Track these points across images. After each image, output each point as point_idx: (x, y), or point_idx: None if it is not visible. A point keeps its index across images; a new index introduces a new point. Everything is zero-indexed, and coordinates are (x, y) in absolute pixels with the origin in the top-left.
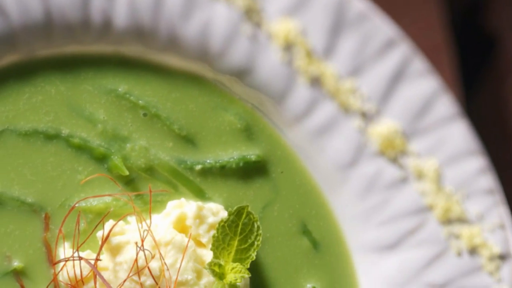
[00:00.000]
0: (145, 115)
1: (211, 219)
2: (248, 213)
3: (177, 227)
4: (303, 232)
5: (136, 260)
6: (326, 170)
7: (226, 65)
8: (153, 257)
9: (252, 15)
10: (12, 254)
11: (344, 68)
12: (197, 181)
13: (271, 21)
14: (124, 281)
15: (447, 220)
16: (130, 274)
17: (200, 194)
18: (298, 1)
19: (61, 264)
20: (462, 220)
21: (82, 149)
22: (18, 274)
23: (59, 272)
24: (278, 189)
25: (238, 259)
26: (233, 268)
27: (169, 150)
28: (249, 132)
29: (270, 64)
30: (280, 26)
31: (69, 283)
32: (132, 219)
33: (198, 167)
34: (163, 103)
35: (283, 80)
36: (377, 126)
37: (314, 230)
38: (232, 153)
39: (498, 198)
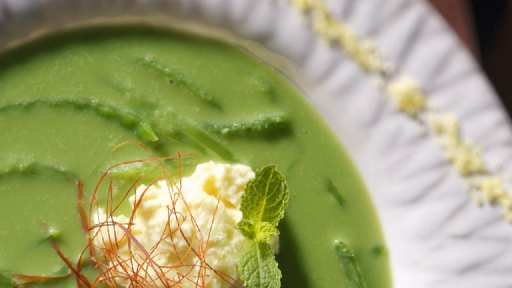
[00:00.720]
0: (171, 82)
1: (239, 180)
2: (275, 173)
3: (207, 189)
4: (328, 190)
5: (168, 222)
6: (349, 128)
7: (248, 31)
8: (184, 219)
9: None
10: (48, 222)
11: (362, 29)
12: (224, 144)
13: None
14: (157, 243)
15: (468, 173)
16: (163, 237)
17: (227, 157)
18: None
19: (96, 229)
20: (482, 171)
21: (111, 117)
22: (54, 240)
23: (94, 237)
24: (303, 149)
25: (267, 218)
26: (262, 227)
27: (196, 115)
28: (272, 95)
29: (290, 28)
30: None
31: (104, 247)
32: (162, 183)
33: (225, 130)
34: (188, 69)
35: (303, 43)
36: (397, 84)
37: (339, 187)
38: (257, 116)
39: None
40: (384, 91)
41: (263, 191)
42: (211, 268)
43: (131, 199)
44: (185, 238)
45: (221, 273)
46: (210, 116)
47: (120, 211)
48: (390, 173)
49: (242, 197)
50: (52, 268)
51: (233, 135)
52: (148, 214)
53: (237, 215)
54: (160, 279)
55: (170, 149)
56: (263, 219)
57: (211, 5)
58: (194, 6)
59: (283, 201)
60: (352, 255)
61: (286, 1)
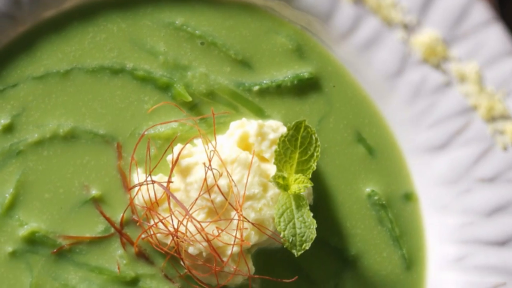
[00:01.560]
0: (202, 44)
1: (272, 135)
2: (306, 127)
3: (241, 145)
4: (358, 140)
5: (205, 179)
6: (375, 80)
7: None
8: (220, 175)
9: None
10: (89, 184)
11: None
12: (255, 101)
13: None
14: (196, 199)
15: (491, 118)
16: (201, 193)
17: (259, 113)
18: None
19: (136, 189)
20: (505, 116)
21: (146, 80)
22: (96, 201)
23: (134, 196)
24: (332, 102)
25: (300, 170)
26: (296, 179)
27: (227, 74)
28: (300, 52)
29: None
30: None
31: (145, 205)
32: (198, 141)
33: (256, 88)
34: (218, 31)
35: (327, 1)
36: (419, 36)
37: (368, 137)
38: (286, 72)
39: None
40: (407, 43)
41: (295, 144)
42: (248, 221)
43: (169, 158)
44: (222, 193)
45: (258, 226)
46: (241, 75)
47: (159, 170)
48: (416, 122)
49: (275, 151)
50: (95, 228)
51: (264, 92)
52: (185, 172)
53: (271, 169)
54: (200, 234)
55: (204, 109)
56: (297, 172)
57: None
58: None
59: (315, 154)
60: (384, 202)
61: None
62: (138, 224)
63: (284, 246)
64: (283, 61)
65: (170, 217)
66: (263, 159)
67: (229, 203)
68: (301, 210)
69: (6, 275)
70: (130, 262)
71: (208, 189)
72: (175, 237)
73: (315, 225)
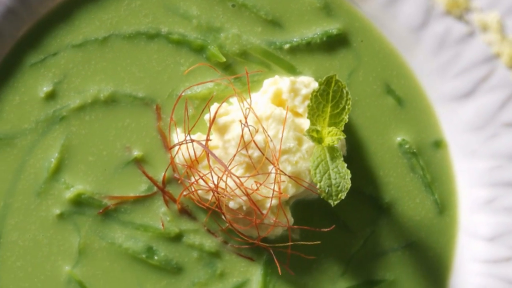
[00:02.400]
0: (233, 6)
1: (304, 91)
2: (337, 81)
3: (275, 101)
4: (387, 92)
5: (242, 136)
6: (401, 34)
7: None
8: (257, 131)
9: None
10: (131, 145)
11: None
12: (287, 58)
13: None
14: (234, 155)
15: None
16: (239, 149)
17: (291, 70)
18: None
19: (176, 148)
20: None
21: (181, 43)
22: (138, 162)
23: (175, 155)
24: (360, 57)
25: (332, 123)
26: (329, 132)
27: (258, 34)
28: (328, 9)
29: None
30: None
31: (185, 164)
32: (234, 100)
33: (287, 46)
34: None
35: None
36: None
37: (397, 88)
38: (315, 30)
39: None
40: None
41: (327, 98)
42: (285, 174)
43: (206, 117)
44: (259, 149)
45: (295, 178)
46: (271, 34)
47: (197, 129)
48: (442, 72)
49: (308, 106)
50: (139, 187)
51: (295, 49)
52: (223, 130)
53: (305, 123)
54: (240, 188)
55: (237, 68)
56: (329, 125)
57: None
58: None
59: (346, 106)
60: (414, 150)
61: None
62: (179, 182)
63: (321, 197)
64: (311, 19)
65: (210, 174)
66: (296, 114)
67: (266, 158)
68: (335, 162)
69: (55, 236)
70: (173, 218)
71: (245, 145)
72: (215, 193)
73: (349, 175)
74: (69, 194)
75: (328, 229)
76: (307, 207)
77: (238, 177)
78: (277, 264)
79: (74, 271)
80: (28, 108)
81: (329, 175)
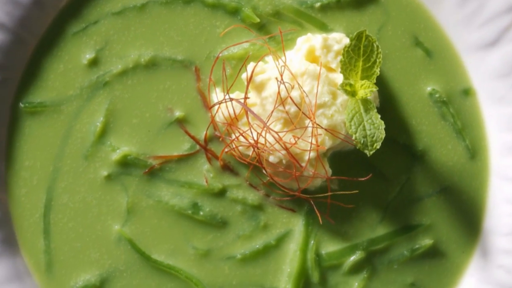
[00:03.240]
0: None
1: (336, 47)
2: (367, 36)
3: (309, 58)
4: (415, 44)
5: (278, 92)
6: None
7: None
8: (292, 87)
9: None
10: (173, 106)
11: None
12: (318, 16)
13: None
14: (272, 112)
15: None
16: (276, 105)
17: (323, 27)
18: None
19: (216, 107)
20: None
21: (216, 6)
22: (180, 122)
23: (215, 114)
24: (389, 11)
25: (365, 76)
26: (362, 85)
27: None
28: None
29: None
30: None
31: (225, 122)
32: (269, 58)
33: (317, 4)
34: None
35: None
36: None
37: (425, 40)
38: None
39: None
40: None
41: (358, 53)
42: (322, 127)
43: (243, 76)
44: (295, 104)
45: (331, 131)
46: None
47: (235, 88)
48: (468, 22)
49: (341, 61)
50: (182, 146)
51: (325, 7)
52: (260, 88)
53: (338, 78)
54: (278, 143)
55: (271, 28)
56: (362, 78)
57: None
58: None
59: (377, 60)
60: (444, 99)
61: None
62: (220, 139)
63: (357, 148)
64: None
65: (249, 130)
66: (330, 70)
67: (303, 113)
68: (369, 113)
69: (104, 197)
70: (216, 175)
71: (282, 101)
72: (255, 148)
73: (383, 126)
74: (116, 156)
75: (365, 178)
76: (344, 158)
77: (276, 132)
78: (318, 214)
79: (124, 230)
80: (73, 75)
81: (364, 126)
